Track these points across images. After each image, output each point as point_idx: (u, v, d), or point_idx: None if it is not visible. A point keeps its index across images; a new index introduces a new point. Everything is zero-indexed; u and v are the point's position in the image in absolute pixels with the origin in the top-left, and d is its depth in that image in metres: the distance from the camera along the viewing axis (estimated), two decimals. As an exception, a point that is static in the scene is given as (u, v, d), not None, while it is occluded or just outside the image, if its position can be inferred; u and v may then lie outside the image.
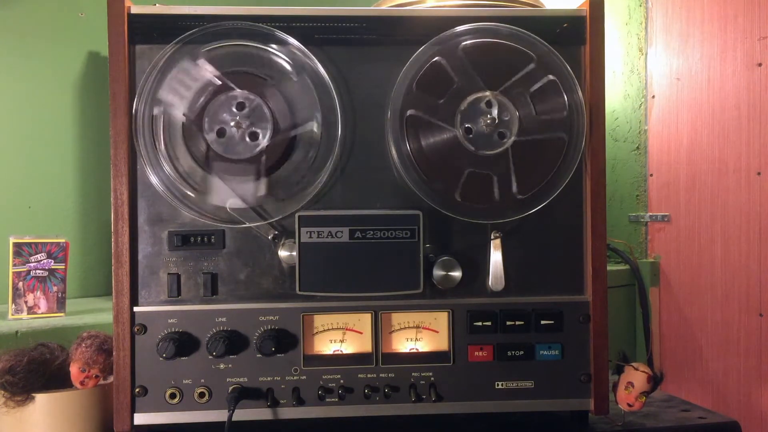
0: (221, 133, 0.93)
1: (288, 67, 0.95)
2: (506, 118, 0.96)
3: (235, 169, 0.94)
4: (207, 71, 0.93)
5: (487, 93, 0.96)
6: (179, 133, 0.94)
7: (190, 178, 0.95)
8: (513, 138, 0.96)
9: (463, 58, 0.96)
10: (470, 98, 0.96)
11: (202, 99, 0.93)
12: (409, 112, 0.96)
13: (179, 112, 0.93)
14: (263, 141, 0.93)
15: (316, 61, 0.95)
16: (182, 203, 0.95)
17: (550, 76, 0.97)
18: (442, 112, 0.96)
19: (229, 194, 0.94)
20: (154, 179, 0.94)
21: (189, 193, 0.94)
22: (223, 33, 0.95)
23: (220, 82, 0.93)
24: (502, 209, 0.97)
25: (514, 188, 0.96)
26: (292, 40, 0.95)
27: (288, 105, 0.94)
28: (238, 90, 0.94)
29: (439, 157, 0.96)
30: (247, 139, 0.94)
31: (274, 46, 0.95)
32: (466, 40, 0.96)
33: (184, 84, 0.93)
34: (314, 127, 0.94)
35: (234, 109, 0.93)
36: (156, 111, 0.93)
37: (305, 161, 0.95)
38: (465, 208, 0.97)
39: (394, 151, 0.96)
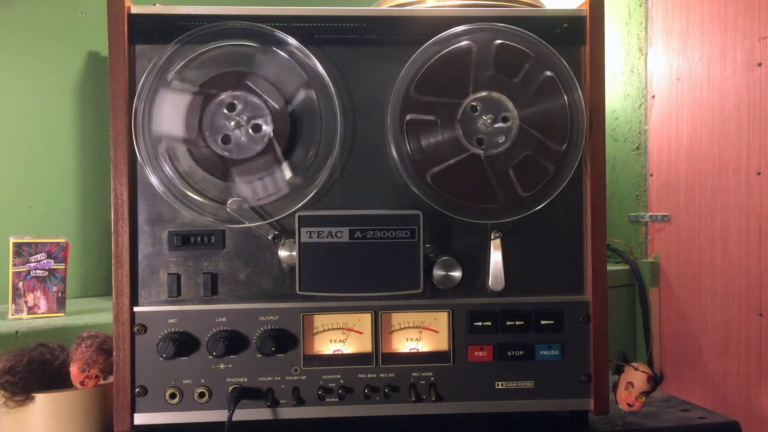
0: (226, 140, 0.93)
1: (254, 51, 0.95)
2: (497, 106, 0.96)
3: (255, 167, 0.94)
4: (185, 90, 0.93)
5: (466, 99, 0.96)
6: (190, 161, 0.94)
7: (190, 178, 0.95)
8: (518, 114, 0.95)
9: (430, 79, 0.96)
10: (467, 100, 0.96)
11: (194, 117, 0.93)
12: (408, 117, 0.96)
13: (180, 139, 0.93)
14: (267, 128, 0.93)
15: (316, 61, 0.95)
16: (182, 203, 0.95)
17: (548, 73, 0.97)
18: (442, 115, 0.96)
19: (262, 190, 0.94)
20: (154, 179, 0.94)
21: (190, 193, 0.94)
22: (223, 33, 0.95)
23: (202, 94, 0.93)
24: (502, 209, 0.97)
25: (554, 147, 0.96)
26: (292, 40, 0.95)
27: (273, 85, 0.94)
28: (223, 93, 0.93)
29: (479, 180, 0.96)
30: (252, 133, 0.93)
31: (300, 57, 0.95)
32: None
33: (170, 111, 0.93)
34: (305, 93, 0.94)
35: (226, 112, 0.93)
36: (161, 149, 0.94)
37: (314, 132, 0.95)
38: (465, 208, 0.97)
39: (394, 151, 0.96)
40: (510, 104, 0.96)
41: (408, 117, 0.96)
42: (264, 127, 0.94)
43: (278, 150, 0.94)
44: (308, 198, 0.96)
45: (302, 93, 0.95)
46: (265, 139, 0.93)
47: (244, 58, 0.95)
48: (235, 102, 0.93)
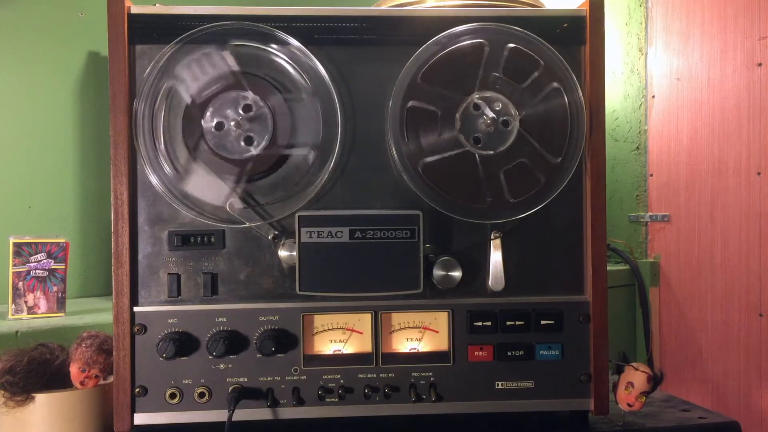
0: (219, 126, 0.93)
1: (306, 86, 0.95)
2: (498, 107, 0.96)
3: (220, 166, 0.94)
4: (228, 64, 0.93)
5: (468, 97, 0.96)
6: (180, 113, 0.94)
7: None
8: (518, 116, 0.95)
9: (432, 78, 0.96)
10: (471, 98, 0.96)
11: (212, 88, 0.93)
12: (410, 104, 0.95)
13: (188, 93, 0.93)
14: (256, 149, 0.93)
15: (316, 61, 0.95)
16: (182, 203, 0.95)
17: (555, 84, 0.97)
18: (444, 108, 0.96)
19: (204, 187, 0.94)
20: (154, 179, 0.94)
21: (190, 193, 0.94)
22: (223, 33, 0.95)
23: (235, 79, 0.93)
24: (503, 209, 0.97)
25: (549, 157, 0.96)
26: (292, 40, 0.95)
27: (292, 123, 0.95)
28: (251, 93, 0.94)
29: (468, 177, 0.96)
30: (242, 142, 0.94)
31: (301, 60, 0.96)
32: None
33: (203, 68, 0.93)
34: (309, 153, 0.95)
35: (240, 110, 0.94)
36: (167, 83, 0.93)
37: (286, 182, 0.95)
38: (465, 208, 0.97)
39: (394, 151, 0.96)
40: (513, 109, 0.96)
41: (410, 104, 0.96)
42: (255, 145, 0.94)
43: (246, 171, 0.94)
44: (308, 198, 0.96)
45: (307, 151, 0.95)
46: (246, 155, 0.94)
47: (292, 81, 0.95)
48: (253, 107, 0.94)
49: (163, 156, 0.94)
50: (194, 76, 0.93)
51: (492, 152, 0.96)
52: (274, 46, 0.95)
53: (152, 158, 0.94)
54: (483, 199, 0.96)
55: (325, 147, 0.95)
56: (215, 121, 0.93)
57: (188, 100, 0.93)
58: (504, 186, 0.96)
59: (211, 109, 0.93)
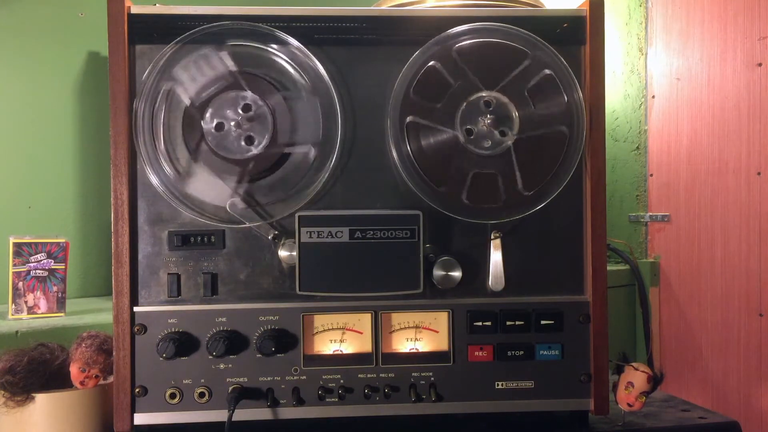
0: (219, 127, 0.93)
1: (304, 83, 0.95)
2: (506, 116, 0.96)
3: (221, 167, 0.94)
4: (226, 65, 0.93)
5: (484, 93, 0.96)
6: (180, 115, 0.94)
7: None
8: (514, 136, 0.96)
9: (458, 60, 0.96)
10: (468, 99, 0.96)
11: (211, 89, 0.93)
12: (408, 119, 0.96)
13: (186, 95, 0.93)
14: (257, 148, 0.93)
15: (316, 61, 0.95)
16: (182, 203, 0.95)
17: (547, 71, 0.97)
18: (441, 115, 0.96)
19: (205, 188, 0.94)
20: (154, 179, 0.94)
21: (190, 193, 0.94)
22: (223, 33, 0.95)
23: (234, 79, 0.93)
24: (503, 209, 0.97)
25: (520, 185, 0.96)
26: (292, 40, 0.95)
27: (292, 121, 0.95)
28: (249, 92, 0.94)
29: (441, 159, 0.96)
30: (243, 142, 0.94)
31: (300, 57, 0.95)
32: (460, 41, 0.96)
33: (201, 69, 0.93)
34: (310, 151, 0.95)
35: (239, 110, 0.94)
36: (166, 86, 0.93)
37: (287, 182, 0.95)
38: (466, 208, 0.97)
39: (394, 151, 0.96)
40: (516, 121, 0.96)
41: (408, 119, 0.96)
42: (255, 144, 0.94)
43: (248, 171, 0.93)
44: (308, 198, 0.96)
45: (308, 149, 0.95)
46: (247, 155, 0.93)
47: (291, 80, 0.95)
48: (252, 107, 0.93)
49: (163, 156, 0.94)
50: (192, 77, 0.93)
51: (476, 151, 0.96)
52: (273, 45, 0.95)
53: (152, 158, 0.94)
54: (492, 198, 0.96)
55: (325, 144, 0.95)
56: (215, 121, 0.93)
57: (187, 102, 0.93)
58: (511, 181, 0.96)
59: (210, 110, 0.93)
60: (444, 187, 0.96)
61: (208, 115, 0.93)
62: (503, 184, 0.96)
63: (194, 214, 0.95)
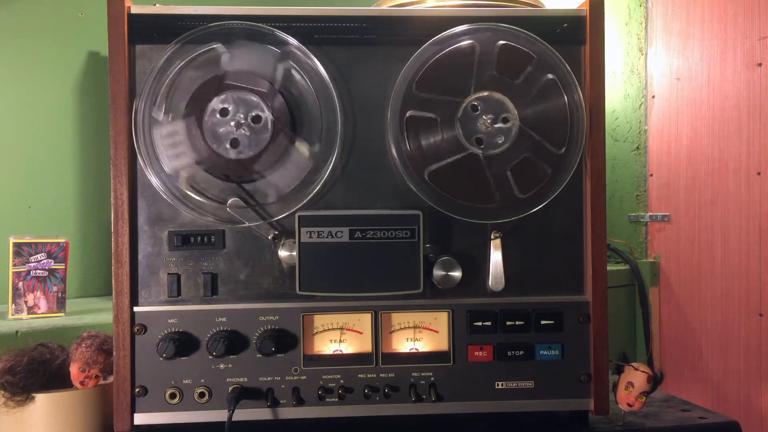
0: (234, 143, 0.93)
1: (220, 49, 0.94)
2: (500, 108, 0.96)
3: (272, 155, 0.93)
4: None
5: (485, 93, 0.96)
6: (213, 179, 0.94)
7: (190, 178, 0.94)
8: (516, 119, 0.95)
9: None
10: (468, 100, 0.96)
11: (198, 141, 0.93)
12: (408, 113, 0.96)
13: (196, 165, 0.93)
14: (266, 114, 0.93)
15: (316, 61, 0.95)
16: (182, 203, 0.95)
17: (549, 75, 0.97)
18: (443, 113, 0.96)
19: (288, 173, 0.94)
20: (154, 179, 0.94)
21: (190, 193, 0.94)
22: (223, 33, 0.95)
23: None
24: (503, 209, 0.97)
25: (516, 190, 0.96)
26: (292, 40, 0.95)
27: (250, 72, 0.94)
28: (209, 103, 0.93)
29: (453, 170, 0.96)
30: (254, 125, 0.93)
31: (301, 59, 0.96)
32: (460, 41, 0.96)
33: (173, 145, 0.93)
34: (283, 66, 0.94)
35: (221, 117, 0.93)
36: (182, 181, 0.93)
37: (308, 101, 0.95)
38: (465, 208, 0.97)
39: (394, 151, 0.97)
40: (511, 105, 0.96)
41: (408, 113, 0.96)
42: (262, 115, 0.93)
43: (286, 130, 0.93)
44: (308, 198, 0.96)
45: (280, 68, 0.94)
46: (269, 126, 0.93)
47: (212, 62, 0.94)
48: (225, 105, 0.93)
49: (187, 187, 0.94)
50: (180, 152, 0.93)
51: (496, 151, 0.96)
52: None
53: (152, 158, 0.94)
54: (492, 198, 0.96)
55: (326, 143, 0.95)
56: (228, 144, 0.93)
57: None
58: (512, 182, 0.96)
59: (215, 145, 0.93)
60: (498, 198, 0.96)
61: (219, 150, 0.93)
62: (537, 157, 0.96)
63: (194, 214, 0.95)
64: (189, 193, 0.94)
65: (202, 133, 0.93)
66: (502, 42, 0.96)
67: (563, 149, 0.97)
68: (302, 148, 0.93)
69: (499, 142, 0.96)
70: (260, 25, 0.95)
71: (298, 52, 0.95)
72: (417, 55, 0.96)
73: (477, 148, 0.96)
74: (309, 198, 0.96)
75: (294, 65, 0.95)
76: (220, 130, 0.93)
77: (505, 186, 0.96)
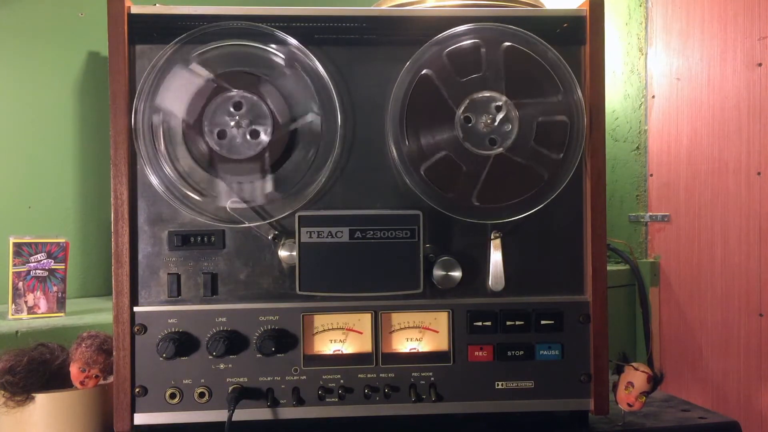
0: (222, 135, 0.93)
1: (280, 61, 0.95)
2: (506, 129, 0.96)
3: (240, 169, 0.94)
4: (201, 75, 0.93)
5: (504, 98, 0.96)
6: (180, 139, 0.94)
7: (190, 178, 0.95)
8: (500, 149, 0.95)
9: (502, 57, 0.96)
10: (486, 94, 0.96)
11: (199, 103, 0.93)
12: (408, 118, 0.95)
13: (178, 118, 0.93)
14: (265, 137, 0.93)
15: (316, 61, 0.95)
16: (182, 203, 0.95)
17: (564, 118, 0.96)
18: (442, 116, 0.96)
19: (237, 194, 0.94)
20: (154, 180, 0.94)
21: (190, 193, 0.94)
22: (223, 33, 0.95)
23: (215, 84, 0.93)
24: (502, 209, 0.97)
25: (474, 198, 0.96)
26: (292, 40, 0.95)
27: (285, 99, 0.94)
28: (234, 90, 0.94)
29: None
30: (249, 137, 0.94)
31: (268, 42, 0.95)
32: (459, 41, 0.96)
33: (180, 89, 0.93)
34: (312, 118, 0.94)
35: (232, 109, 0.93)
36: (156, 119, 0.93)
37: (308, 155, 0.95)
38: (466, 208, 0.97)
39: (394, 151, 0.97)
40: (495, 93, 0.95)
41: (408, 118, 0.96)
42: (262, 135, 0.94)
43: (267, 161, 0.93)
44: (308, 198, 0.96)
45: (310, 116, 0.95)
46: (259, 148, 0.93)
47: (266, 63, 0.95)
48: (243, 102, 0.93)
49: (162, 156, 0.94)
50: (176, 100, 0.93)
51: (511, 141, 0.96)
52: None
53: (152, 158, 0.94)
54: (485, 198, 0.96)
55: (325, 109, 0.95)
56: (216, 131, 0.93)
57: (182, 126, 0.93)
58: (507, 184, 0.96)
59: (206, 123, 0.93)
60: (490, 198, 0.96)
61: (206, 128, 0.93)
62: (534, 161, 0.96)
63: (194, 214, 0.95)
64: (189, 193, 0.94)
65: (206, 104, 0.93)
66: (507, 44, 0.96)
67: (561, 155, 0.97)
68: (268, 185, 0.94)
69: (507, 129, 0.95)
70: (260, 25, 0.95)
71: (298, 52, 0.95)
72: (416, 57, 0.95)
73: (495, 149, 0.95)
74: (309, 198, 0.96)
75: (321, 123, 0.95)
76: (221, 116, 0.93)
77: (500, 187, 0.96)
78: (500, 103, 0.96)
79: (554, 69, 0.97)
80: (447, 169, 0.96)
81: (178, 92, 0.93)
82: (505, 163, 0.96)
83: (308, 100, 0.95)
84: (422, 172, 0.95)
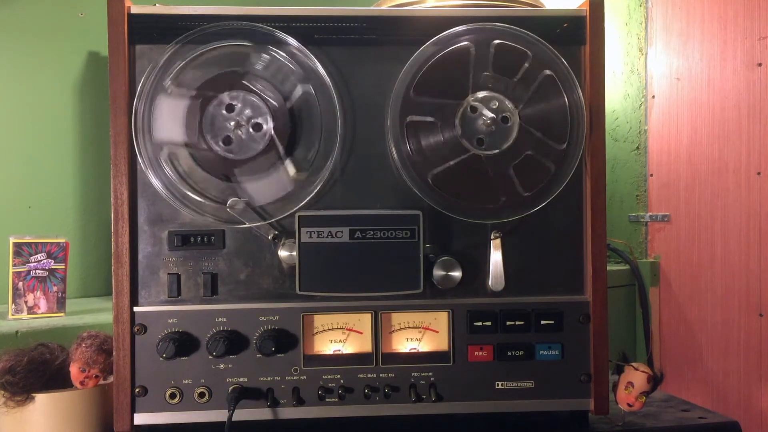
0: (227, 141, 0.93)
1: (249, 51, 0.95)
2: (505, 115, 0.96)
3: (259, 166, 0.94)
4: (182, 95, 0.93)
5: (483, 93, 0.96)
6: (194, 164, 0.94)
7: (189, 179, 0.95)
8: (514, 135, 0.95)
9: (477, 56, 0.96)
10: (466, 101, 0.96)
11: (193, 121, 0.93)
12: (408, 119, 0.96)
13: (182, 145, 0.93)
14: (268, 126, 0.93)
15: (316, 61, 0.95)
16: (182, 203, 0.95)
17: (547, 72, 0.97)
18: (442, 116, 0.96)
19: (264, 191, 0.94)
20: (154, 180, 0.94)
21: (190, 194, 0.94)
22: (223, 33, 0.95)
23: (200, 98, 0.93)
24: (503, 209, 0.97)
25: (519, 188, 0.96)
26: (291, 40, 0.95)
27: (269, 83, 0.94)
28: (220, 94, 0.93)
29: (456, 172, 0.96)
30: (252, 131, 0.93)
31: (301, 59, 0.96)
32: (460, 41, 0.96)
33: (170, 116, 0.93)
34: (302, 89, 0.94)
35: (226, 113, 0.93)
36: (164, 155, 0.94)
37: (314, 126, 0.95)
38: (465, 208, 0.97)
39: (394, 152, 0.96)
40: (509, 104, 0.96)
41: (408, 119, 0.96)
42: (264, 125, 0.94)
43: (280, 147, 0.94)
44: (308, 198, 0.96)
45: (299, 89, 0.95)
46: (266, 138, 0.93)
47: (239, 58, 0.95)
48: (234, 102, 0.93)
49: (166, 162, 0.94)
50: (172, 128, 0.93)
51: (497, 151, 0.96)
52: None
53: (152, 158, 0.94)
54: (496, 198, 0.96)
55: (309, 77, 0.95)
56: (220, 139, 0.93)
57: (187, 148, 0.93)
58: (515, 181, 0.96)
59: (209, 135, 0.93)
60: (503, 198, 0.96)
61: (210, 140, 0.93)
62: (539, 154, 0.96)
63: (194, 214, 0.95)
64: (189, 193, 0.94)
65: (201, 118, 0.93)
66: (497, 41, 0.96)
67: (564, 144, 0.97)
68: (290, 168, 0.94)
69: (500, 141, 0.96)
70: (260, 25, 0.95)
71: (298, 52, 0.95)
72: (415, 58, 0.96)
73: (479, 149, 0.96)
74: (309, 198, 0.96)
75: (312, 91, 0.95)
76: (219, 123, 0.93)
77: (509, 185, 0.96)
78: (507, 115, 0.96)
79: (548, 67, 0.97)
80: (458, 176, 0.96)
81: (169, 120, 0.93)
82: (478, 166, 0.96)
83: (290, 75, 0.95)
84: (429, 179, 0.96)
